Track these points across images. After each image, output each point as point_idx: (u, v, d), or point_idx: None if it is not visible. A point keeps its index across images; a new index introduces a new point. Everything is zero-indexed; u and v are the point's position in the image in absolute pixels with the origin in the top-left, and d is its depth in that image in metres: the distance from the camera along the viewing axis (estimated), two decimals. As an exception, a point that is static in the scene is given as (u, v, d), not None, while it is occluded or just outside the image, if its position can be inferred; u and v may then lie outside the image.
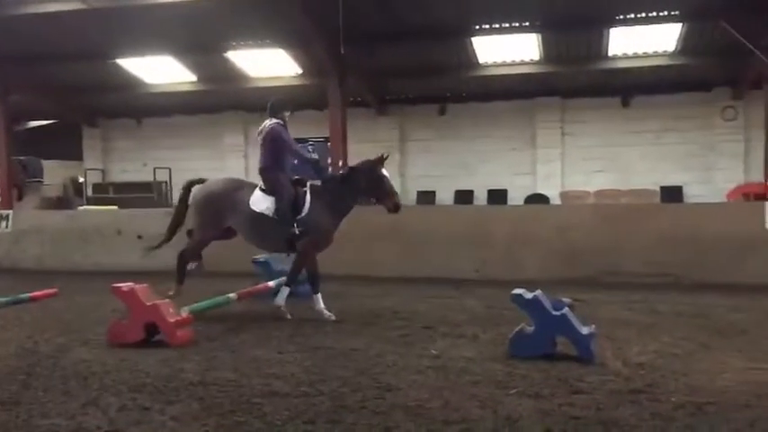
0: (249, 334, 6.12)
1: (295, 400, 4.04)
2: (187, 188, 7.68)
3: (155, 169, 19.41)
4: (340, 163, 13.59)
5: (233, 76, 16.99)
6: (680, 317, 6.96)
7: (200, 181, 7.67)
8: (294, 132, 21.50)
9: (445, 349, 5.44)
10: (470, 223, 10.85)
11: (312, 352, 5.36)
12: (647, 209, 11.98)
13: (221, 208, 7.15)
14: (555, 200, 17.09)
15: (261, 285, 7.57)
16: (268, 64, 16.32)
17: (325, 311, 6.82)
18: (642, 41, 14.34)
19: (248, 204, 7.02)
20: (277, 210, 6.91)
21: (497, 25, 13.72)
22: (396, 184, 17.59)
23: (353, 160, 15.55)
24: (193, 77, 17.40)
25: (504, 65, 15.72)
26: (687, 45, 14.29)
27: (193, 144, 20.22)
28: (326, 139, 16.21)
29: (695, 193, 16.51)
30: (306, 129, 18.99)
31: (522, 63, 15.60)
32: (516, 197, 17.45)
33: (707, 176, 16.64)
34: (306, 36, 13.91)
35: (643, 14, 13.02)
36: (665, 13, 12.93)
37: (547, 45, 14.73)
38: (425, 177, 18.30)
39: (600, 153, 17.45)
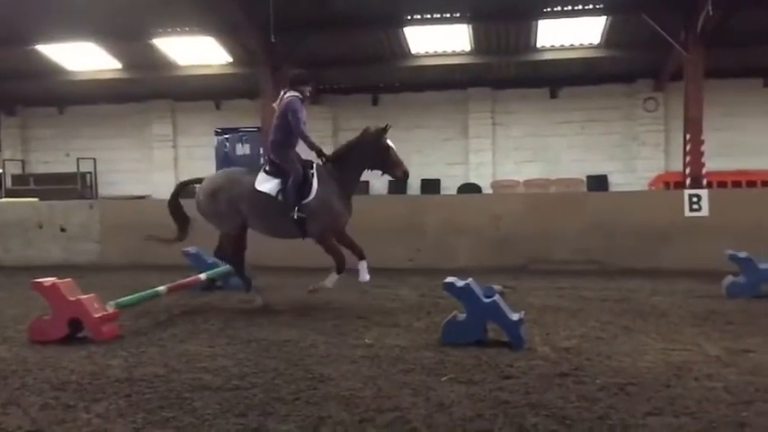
0: (178, 328, 5.99)
1: (226, 394, 3.98)
2: (180, 188, 7.43)
3: (78, 160, 18.75)
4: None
5: (160, 63, 16.54)
6: (605, 302, 7.19)
7: (196, 181, 7.38)
8: (226, 122, 21.03)
9: (378, 338, 5.46)
10: (404, 213, 10.91)
11: (244, 344, 5.29)
12: (575, 197, 12.33)
13: (232, 196, 6.82)
14: (486, 189, 17.38)
15: (191, 278, 7.42)
16: (197, 52, 15.97)
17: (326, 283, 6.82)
18: (569, 34, 14.71)
19: (253, 186, 6.75)
20: (283, 191, 6.66)
21: (429, 15, 13.82)
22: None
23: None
24: (118, 65, 16.86)
25: (435, 55, 15.86)
26: (611, 38, 14.73)
27: (119, 134, 19.62)
28: (259, 129, 15.99)
29: (619, 181, 17.10)
30: (238, 118, 18.77)
31: (454, 54, 15.77)
32: (449, 187, 17.66)
33: (630, 165, 17.24)
34: (235, 24, 13.68)
35: (569, 7, 13.36)
36: (590, 6, 13.29)
37: (477, 36, 14.93)
38: (358, 167, 18.24)
39: (529, 143, 17.84)
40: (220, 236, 7.15)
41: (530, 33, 14.70)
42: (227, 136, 19.09)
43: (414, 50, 15.63)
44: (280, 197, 6.69)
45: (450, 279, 5.29)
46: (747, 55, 15.11)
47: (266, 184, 6.75)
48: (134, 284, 7.75)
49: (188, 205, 7.35)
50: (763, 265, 7.40)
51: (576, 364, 4.56)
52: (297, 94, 6.82)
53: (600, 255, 10.11)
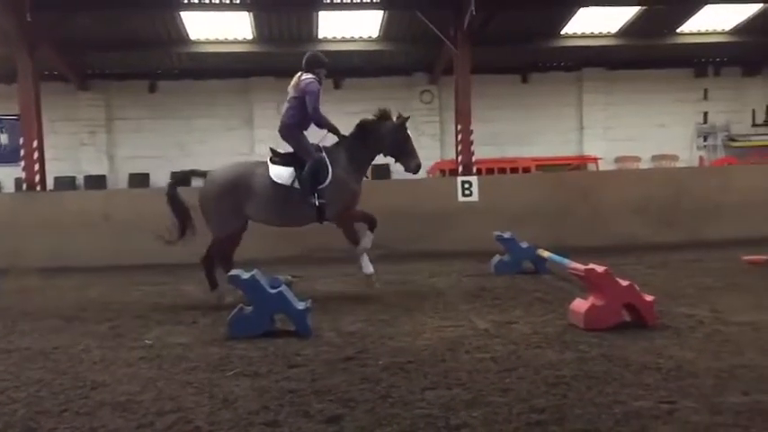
0: None
1: (-21, 414, 3.54)
2: (178, 181, 6.99)
3: None
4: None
5: None
6: (389, 285, 7.52)
7: (192, 173, 6.96)
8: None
9: (160, 338, 5.21)
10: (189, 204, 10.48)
11: (4, 355, 4.76)
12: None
13: (239, 195, 6.52)
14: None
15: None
16: (-62, 28, 13.95)
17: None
18: (350, 26, 15.05)
19: (269, 179, 6.53)
20: (299, 179, 6.54)
21: (206, 1, 13.33)
22: (103, 167, 16.37)
23: (52, 139, 14.15)
24: None
25: (217, 42, 15.37)
26: (389, 32, 15.32)
27: None
28: (17, 117, 14.39)
29: (401, 169, 17.85)
30: (-9, 105, 16.77)
31: (236, 42, 15.41)
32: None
33: (412, 154, 18.12)
34: (-16, -1, 12.14)
35: (348, 0, 13.63)
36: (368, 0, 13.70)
37: (260, 25, 14.73)
38: (137, 159, 17.18)
39: (316, 133, 18.00)
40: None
41: (311, 24, 14.81)
42: (-20, 125, 17.00)
43: (193, 36, 15.00)
44: (296, 185, 6.57)
45: (235, 271, 5.20)
46: (508, 53, 16.56)
47: (281, 173, 6.63)
48: None
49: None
50: (524, 245, 8.18)
51: (360, 347, 4.70)
52: (314, 77, 6.74)
53: (384, 240, 10.48)
